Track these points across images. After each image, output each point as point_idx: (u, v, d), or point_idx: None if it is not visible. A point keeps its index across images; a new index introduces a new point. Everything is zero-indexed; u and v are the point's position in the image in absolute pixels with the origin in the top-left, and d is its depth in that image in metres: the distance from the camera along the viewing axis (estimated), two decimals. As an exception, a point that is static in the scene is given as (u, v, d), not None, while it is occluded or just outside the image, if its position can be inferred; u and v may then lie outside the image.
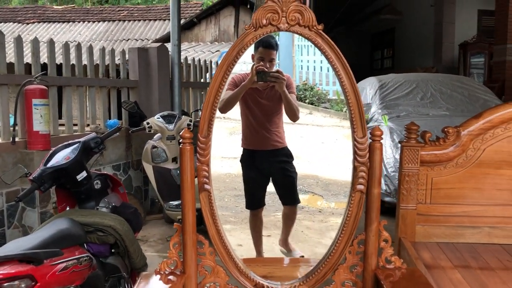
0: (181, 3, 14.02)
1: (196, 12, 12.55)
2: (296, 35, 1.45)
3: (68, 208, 2.43)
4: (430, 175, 2.37)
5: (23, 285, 1.67)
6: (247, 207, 2.51)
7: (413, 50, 11.26)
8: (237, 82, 2.19)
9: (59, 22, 13.09)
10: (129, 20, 12.91)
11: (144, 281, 1.47)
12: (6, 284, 1.64)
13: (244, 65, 2.18)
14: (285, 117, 2.31)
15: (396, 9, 11.86)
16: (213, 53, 9.45)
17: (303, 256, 2.41)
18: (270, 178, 2.52)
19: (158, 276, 1.48)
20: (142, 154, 4.38)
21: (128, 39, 11.71)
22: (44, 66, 3.91)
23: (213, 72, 6.77)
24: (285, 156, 2.45)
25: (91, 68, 4.56)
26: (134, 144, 4.78)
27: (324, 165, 3.05)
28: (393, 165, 4.28)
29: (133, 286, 2.19)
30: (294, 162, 2.46)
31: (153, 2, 18.67)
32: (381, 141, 4.68)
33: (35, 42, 3.91)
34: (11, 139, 3.45)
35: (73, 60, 4.37)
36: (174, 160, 4.22)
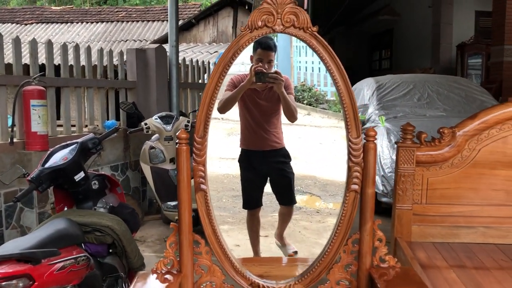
0: (180, 4, 14.05)
1: (194, 13, 12.57)
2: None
3: (66, 208, 2.45)
4: (426, 175, 2.38)
5: (20, 284, 1.69)
6: (244, 207, 2.53)
7: (411, 51, 11.29)
8: (236, 83, 2.21)
9: (57, 23, 13.11)
10: (128, 21, 12.93)
11: (141, 280, 1.48)
12: (4, 283, 1.65)
13: (243, 66, 2.19)
14: (283, 118, 2.32)
15: (395, 10, 11.89)
16: (211, 54, 9.47)
17: (296, 252, 2.43)
18: (268, 178, 2.53)
19: (155, 275, 1.50)
20: (140, 155, 4.39)
21: (127, 40, 11.73)
22: (42, 67, 3.92)
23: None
24: (283, 156, 2.47)
25: (89, 69, 4.58)
26: (132, 144, 4.79)
27: (322, 166, 3.06)
28: (390, 166, 4.29)
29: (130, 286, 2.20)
30: (292, 163, 2.48)
31: (152, 3, 18.68)
32: (377, 141, 4.70)
33: (33, 43, 3.93)
34: (9, 140, 3.46)
35: (71, 61, 4.38)
36: (172, 160, 4.23)
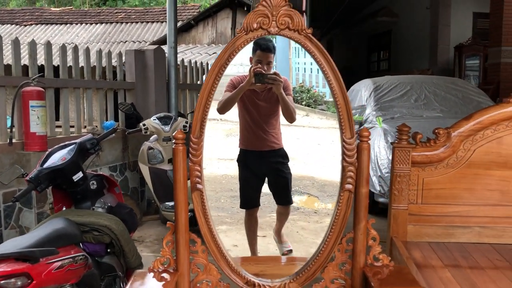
0: (179, 5, 14.05)
1: (193, 14, 12.60)
2: (293, 38, 1.48)
3: (64, 208, 2.46)
4: (422, 175, 2.40)
5: (19, 283, 1.71)
6: (242, 206, 2.54)
7: (409, 52, 11.32)
8: (235, 84, 2.23)
9: (56, 24, 13.13)
10: (127, 22, 12.95)
11: (138, 278, 1.50)
12: (3, 282, 1.67)
13: (241, 67, 2.21)
14: (282, 119, 2.34)
15: (393, 12, 11.92)
16: (210, 55, 9.49)
17: (291, 250, 2.45)
18: (266, 178, 2.55)
19: (152, 274, 1.51)
20: (139, 155, 4.41)
21: (126, 41, 11.75)
22: (41, 68, 3.94)
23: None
24: (281, 157, 2.48)
25: (88, 70, 4.60)
26: (130, 145, 4.81)
27: (320, 167, 3.08)
28: (387, 166, 4.31)
29: (128, 285, 2.22)
30: (290, 164, 2.49)
31: (151, 4, 18.71)
32: (375, 142, 4.69)
33: (32, 44, 3.95)
34: (8, 141, 3.48)
35: (70, 62, 4.40)
36: (170, 161, 4.25)
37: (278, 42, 2.21)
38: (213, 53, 9.59)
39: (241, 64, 2.15)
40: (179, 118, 4.59)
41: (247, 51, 2.02)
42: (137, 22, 12.91)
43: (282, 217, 2.58)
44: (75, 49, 4.45)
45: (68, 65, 4.34)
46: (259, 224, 2.58)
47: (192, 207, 1.56)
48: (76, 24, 13.06)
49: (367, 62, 14.95)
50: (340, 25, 15.44)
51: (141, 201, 5.11)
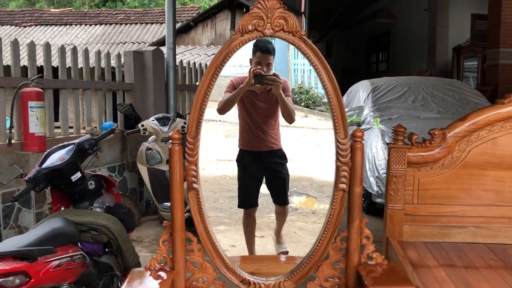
0: (178, 6, 14.06)
1: (192, 15, 12.62)
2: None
3: (62, 208, 2.48)
4: (417, 176, 2.41)
5: (17, 281, 1.73)
6: (240, 206, 2.56)
7: (407, 53, 11.35)
8: (235, 84, 2.26)
9: (56, 25, 13.15)
10: (126, 24, 12.97)
11: (135, 277, 1.52)
12: (1, 280, 1.69)
13: (240, 68, 2.23)
14: (281, 120, 2.36)
15: (392, 13, 11.95)
16: (209, 56, 9.50)
17: (287, 252, 2.46)
18: (264, 178, 2.57)
19: (148, 272, 1.53)
20: (137, 156, 4.43)
21: (125, 42, 11.77)
22: (40, 69, 3.96)
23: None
24: (280, 157, 2.51)
25: (87, 71, 4.62)
26: (129, 146, 4.83)
27: (319, 167, 3.09)
28: (385, 167, 4.33)
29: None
30: (289, 164, 2.51)
31: (150, 5, 18.73)
32: (372, 143, 4.70)
33: (32, 46, 3.97)
34: (7, 141, 3.50)
35: (69, 63, 4.42)
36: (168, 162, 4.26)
37: (277, 43, 2.22)
38: (212, 54, 9.61)
39: (240, 65, 2.17)
40: (177, 119, 4.61)
41: (247, 52, 2.05)
42: (136, 23, 12.93)
43: (280, 217, 2.60)
44: (74, 50, 4.47)
45: (67, 66, 4.36)
46: (257, 225, 2.59)
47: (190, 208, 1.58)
48: (76, 25, 13.07)
49: (366, 63, 14.98)
50: (339, 27, 15.46)
51: (140, 202, 5.13)
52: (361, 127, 5.01)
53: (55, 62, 4.53)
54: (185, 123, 4.46)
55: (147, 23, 12.93)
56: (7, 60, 5.47)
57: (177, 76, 5.80)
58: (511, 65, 8.05)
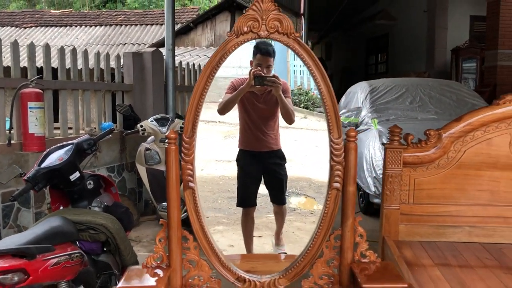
0: (178, 8, 14.08)
1: (192, 17, 12.64)
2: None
3: (61, 208, 2.50)
4: (413, 176, 2.43)
5: (16, 278, 1.75)
6: (238, 204, 2.59)
7: (406, 55, 11.38)
8: (236, 86, 2.28)
9: (56, 26, 13.17)
10: (126, 25, 12.99)
11: (132, 274, 1.54)
12: (0, 277, 1.71)
13: (240, 69, 2.26)
14: (282, 121, 2.39)
15: (391, 15, 11.98)
16: (208, 57, 9.49)
17: (285, 254, 2.48)
18: (262, 178, 2.60)
19: (145, 270, 1.55)
20: (136, 156, 4.45)
21: (125, 43, 11.79)
22: (40, 70, 3.98)
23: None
24: (279, 158, 2.53)
25: (87, 72, 4.64)
26: (128, 146, 4.85)
27: (317, 168, 3.10)
28: (382, 167, 4.35)
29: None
30: (288, 165, 2.54)
31: (150, 7, 18.77)
32: (370, 143, 4.71)
33: (31, 47, 3.99)
34: (7, 142, 3.52)
35: (69, 64, 4.45)
36: (167, 162, 4.27)
37: (277, 45, 2.26)
38: (212, 56, 9.60)
39: (239, 67, 2.20)
40: (176, 119, 4.63)
41: (247, 54, 2.08)
42: (136, 25, 12.96)
43: (279, 217, 2.62)
44: (74, 51, 4.49)
45: (66, 67, 4.38)
46: (255, 225, 2.62)
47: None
48: (76, 26, 13.10)
49: (365, 65, 15.01)
50: (339, 28, 15.50)
51: (139, 202, 5.15)
52: (359, 128, 5.03)
53: (54, 63, 4.55)
54: (183, 123, 4.47)
55: (147, 25, 12.95)
56: (7, 61, 5.49)
57: (176, 77, 5.83)
58: (509, 67, 8.08)
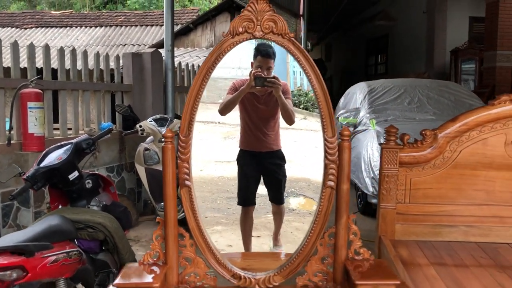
0: (178, 9, 14.09)
1: (192, 18, 12.67)
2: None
3: (60, 207, 2.52)
4: (409, 175, 2.45)
5: (14, 275, 1.77)
6: (239, 203, 2.61)
7: (406, 56, 11.40)
8: (237, 87, 2.30)
9: (56, 27, 13.20)
10: (126, 26, 13.02)
11: (129, 271, 1.56)
12: (-1, 273, 1.73)
13: (239, 70, 2.28)
14: (282, 122, 2.41)
15: (390, 16, 12.01)
16: (208, 58, 9.52)
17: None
18: (261, 178, 2.62)
19: (142, 267, 1.57)
20: (135, 157, 4.47)
21: (125, 44, 11.82)
22: (40, 71, 4.01)
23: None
24: (278, 158, 2.55)
25: (86, 72, 4.66)
26: (127, 146, 4.87)
27: (316, 169, 3.12)
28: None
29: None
30: (287, 166, 2.55)
31: (150, 8, 18.81)
32: (368, 144, 4.72)
33: (31, 47, 4.02)
34: (7, 141, 3.54)
35: (68, 65, 4.47)
36: (166, 162, 4.29)
37: (277, 47, 2.28)
38: (211, 56, 9.62)
39: (239, 68, 2.22)
40: (175, 119, 4.65)
41: (246, 55, 2.10)
42: (136, 25, 12.99)
43: (277, 217, 2.64)
44: (73, 52, 4.52)
45: (66, 67, 4.41)
46: (254, 225, 2.63)
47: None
48: (76, 27, 13.13)
49: (365, 65, 15.04)
50: (339, 29, 15.53)
51: (138, 202, 5.17)
52: (358, 129, 5.06)
53: (54, 63, 4.58)
54: (182, 123, 4.49)
55: (147, 25, 12.99)
56: (7, 61, 5.52)
57: (175, 77, 5.85)
58: (508, 68, 8.11)
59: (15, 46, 3.83)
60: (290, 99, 2.38)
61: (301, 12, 9.86)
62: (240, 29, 1.50)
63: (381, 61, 13.79)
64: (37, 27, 13.17)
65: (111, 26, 13.03)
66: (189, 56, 10.05)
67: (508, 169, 2.41)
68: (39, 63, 4.17)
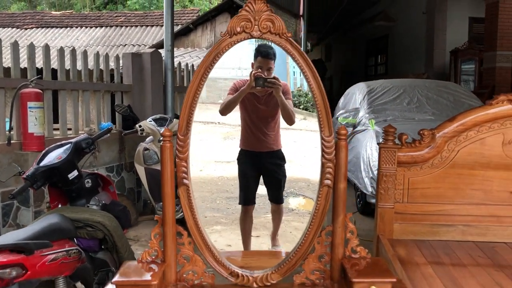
0: (179, 9, 14.11)
1: (192, 18, 12.69)
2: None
3: (60, 206, 2.54)
4: (407, 175, 2.46)
5: (14, 273, 1.78)
6: (240, 202, 2.62)
7: (406, 56, 11.41)
8: (237, 87, 2.32)
9: (57, 27, 13.23)
10: (126, 26, 13.05)
11: (127, 269, 1.57)
12: (-2, 271, 1.74)
13: (239, 70, 2.30)
14: (282, 122, 2.42)
15: (390, 16, 12.03)
16: (208, 58, 9.53)
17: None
18: (261, 177, 2.63)
19: (140, 265, 1.58)
20: (135, 156, 4.48)
21: (125, 44, 11.84)
22: (40, 71, 4.02)
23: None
24: (278, 158, 2.56)
25: (86, 72, 4.68)
26: (127, 146, 4.88)
27: (316, 169, 3.14)
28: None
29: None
30: (287, 166, 2.57)
31: (150, 8, 18.83)
32: (367, 144, 4.73)
33: (31, 47, 4.03)
34: (7, 141, 3.55)
35: (68, 65, 4.48)
36: (166, 162, 4.30)
37: (277, 48, 2.30)
38: (211, 57, 9.63)
39: (239, 68, 2.24)
40: (174, 119, 4.67)
41: (246, 55, 2.11)
42: (136, 26, 13.01)
43: (276, 216, 2.65)
44: (73, 52, 4.53)
45: (66, 67, 4.42)
46: (253, 224, 2.65)
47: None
48: (76, 27, 13.16)
49: (365, 66, 15.05)
50: (339, 29, 15.54)
51: (138, 202, 5.18)
52: (357, 129, 5.07)
53: (54, 64, 4.59)
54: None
55: (147, 26, 13.01)
56: (8, 61, 5.53)
57: (175, 78, 5.87)
58: (508, 68, 8.12)
59: (15, 46, 3.84)
60: (291, 100, 2.39)
61: (301, 13, 9.88)
62: (238, 29, 1.51)
63: (381, 62, 13.80)
64: (37, 27, 13.19)
65: (111, 26, 13.05)
66: (189, 57, 10.07)
67: (505, 169, 2.43)
68: (39, 63, 4.18)
